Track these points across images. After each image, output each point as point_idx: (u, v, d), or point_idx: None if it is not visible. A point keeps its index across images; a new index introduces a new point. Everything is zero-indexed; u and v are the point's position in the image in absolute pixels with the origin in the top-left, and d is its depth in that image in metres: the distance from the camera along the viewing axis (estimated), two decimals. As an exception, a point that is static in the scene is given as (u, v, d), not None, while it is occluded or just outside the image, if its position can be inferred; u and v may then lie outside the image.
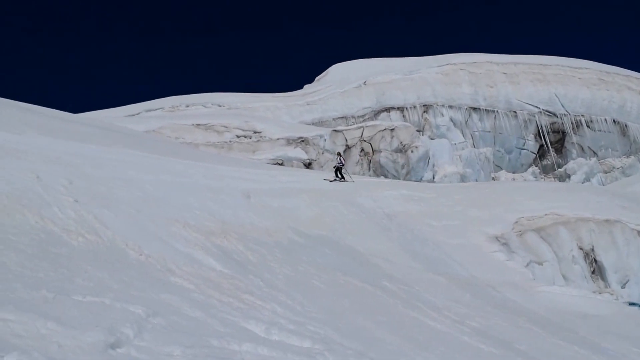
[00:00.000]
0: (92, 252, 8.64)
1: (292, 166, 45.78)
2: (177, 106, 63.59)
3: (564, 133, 67.17)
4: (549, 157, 67.00)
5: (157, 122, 51.79)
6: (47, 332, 4.83)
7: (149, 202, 13.42)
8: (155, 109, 62.96)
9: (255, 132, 51.15)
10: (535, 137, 66.66)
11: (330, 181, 25.90)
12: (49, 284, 6.38)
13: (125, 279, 7.63)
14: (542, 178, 64.29)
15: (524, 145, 66.23)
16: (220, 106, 64.00)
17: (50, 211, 9.89)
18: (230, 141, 49.82)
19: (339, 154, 28.90)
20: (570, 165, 63.88)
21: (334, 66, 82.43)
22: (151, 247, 9.89)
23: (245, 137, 50.74)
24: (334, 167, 28.01)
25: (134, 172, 16.51)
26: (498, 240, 21.34)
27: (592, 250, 22.75)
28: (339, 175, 27.19)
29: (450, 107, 65.72)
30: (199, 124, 51.47)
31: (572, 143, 66.80)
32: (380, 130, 51.96)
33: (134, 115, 60.47)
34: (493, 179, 60.43)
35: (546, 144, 66.69)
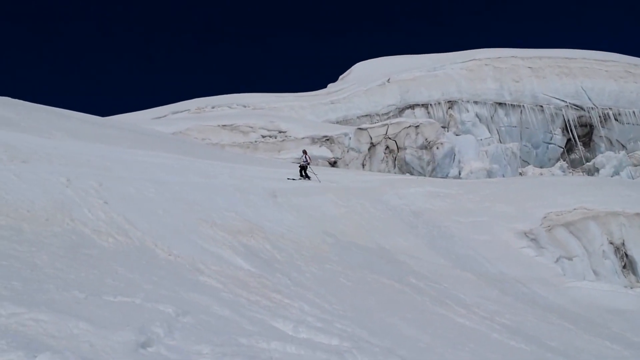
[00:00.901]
0: (122, 252, 8.76)
1: (317, 165, 45.82)
2: (202, 108, 64.06)
3: (591, 126, 66.14)
4: (576, 151, 66.05)
5: (184, 123, 52.23)
6: (79, 332, 4.90)
7: (177, 202, 13.55)
8: (182, 111, 63.51)
9: (280, 132, 51.32)
10: (563, 131, 65.76)
11: (294, 180, 24.10)
12: (81, 284, 6.49)
13: (154, 278, 7.73)
14: (570, 172, 63.36)
15: (551, 139, 65.38)
16: (245, 107, 64.32)
17: (81, 213, 10.05)
18: (255, 141, 50.07)
19: (304, 151, 26.86)
20: (599, 159, 62.83)
21: (357, 64, 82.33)
22: (180, 247, 10.00)
23: (270, 137, 50.94)
24: (299, 166, 26.16)
25: (162, 174, 16.68)
26: (527, 236, 21.10)
27: (623, 244, 22.37)
28: (304, 174, 25.51)
29: (476, 102, 65.16)
30: (224, 125, 51.80)
31: (600, 136, 65.76)
32: (405, 128, 51.71)
33: (160, 117, 61.05)
34: (520, 174, 59.73)
35: (574, 138, 65.74)
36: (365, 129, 52.08)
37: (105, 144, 20.59)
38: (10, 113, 21.16)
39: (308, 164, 25.98)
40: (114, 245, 9.02)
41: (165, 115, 62.24)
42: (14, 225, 8.30)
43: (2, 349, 4.17)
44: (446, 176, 49.60)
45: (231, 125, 52.00)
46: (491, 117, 64.94)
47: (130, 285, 7.00)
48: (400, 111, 64.29)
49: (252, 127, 51.89)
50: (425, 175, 47.63)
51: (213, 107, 64.09)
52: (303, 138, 49.85)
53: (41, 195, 10.20)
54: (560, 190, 27.15)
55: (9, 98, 29.05)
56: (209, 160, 23.59)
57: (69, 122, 24.34)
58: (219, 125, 51.62)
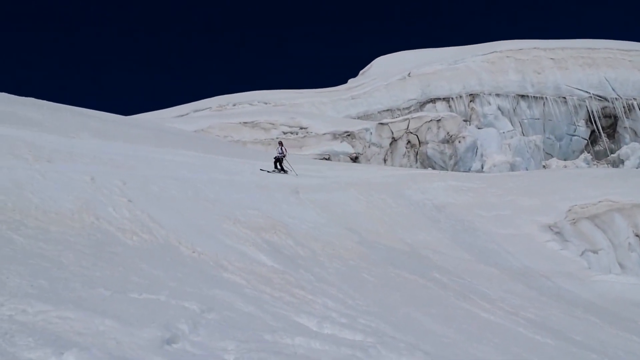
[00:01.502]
0: (146, 250, 8.84)
1: (339, 160, 45.81)
2: (224, 105, 64.39)
3: (615, 117, 65.26)
4: (601, 142, 65.24)
5: (206, 121, 52.55)
6: (105, 329, 4.96)
7: (200, 200, 13.64)
8: (203, 109, 63.92)
9: (301, 128, 51.41)
10: (586, 123, 64.99)
11: (268, 172, 22.38)
12: (106, 282, 6.56)
13: (179, 275, 7.78)
14: (594, 164, 62.63)
15: (574, 131, 64.65)
16: (266, 103, 64.56)
17: (105, 211, 10.16)
18: (277, 138, 50.18)
19: (280, 142, 25.04)
20: (624, 150, 61.99)
21: (377, 59, 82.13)
22: (204, 244, 10.07)
23: (291, 133, 51.07)
24: (274, 158, 24.27)
25: (185, 172, 16.80)
26: (551, 229, 20.89)
27: (650, 236, 22.04)
28: (279, 167, 23.73)
29: (497, 95, 64.67)
30: (245, 122, 52.03)
31: (625, 127, 64.82)
32: (426, 122, 51.48)
33: (182, 115, 61.50)
34: (544, 167, 59.18)
35: (598, 129, 64.95)
36: (387, 124, 51.94)
37: (129, 142, 20.78)
38: (34, 113, 21.44)
39: (284, 156, 24.25)
40: (138, 243, 9.11)
41: (187, 114, 62.70)
42: (41, 225, 8.41)
43: (29, 346, 4.23)
44: (469, 170, 49.32)
45: (252, 122, 52.22)
46: (513, 110, 64.39)
47: (155, 283, 7.06)
48: (422, 105, 64.05)
49: (273, 124, 52.08)
50: (447, 170, 47.38)
51: (234, 105, 64.42)
52: (324, 134, 49.88)
53: (66, 195, 10.33)
54: (585, 183, 26.84)
55: (34, 99, 29.45)
56: (230, 158, 23.70)
57: (92, 122, 24.60)
58: (240, 123, 51.88)
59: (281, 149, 24.21)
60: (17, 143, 13.48)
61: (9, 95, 27.60)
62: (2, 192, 9.29)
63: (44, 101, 29.37)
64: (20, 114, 20.32)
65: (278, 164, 23.90)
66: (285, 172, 23.72)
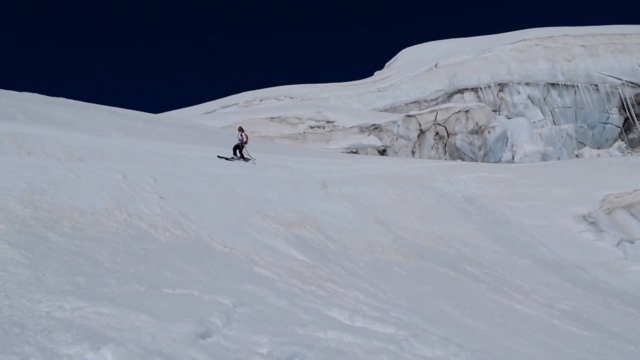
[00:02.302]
0: (178, 246, 8.92)
1: (366, 154, 45.66)
2: (251, 101, 64.65)
3: (649, 104, 63.98)
4: (635, 130, 63.97)
5: (233, 117, 52.80)
6: (141, 324, 5.03)
7: (230, 196, 13.72)
8: (231, 105, 64.22)
9: (328, 122, 51.31)
10: (620, 110, 63.80)
11: (227, 159, 20.82)
12: (140, 278, 6.64)
13: (211, 271, 7.85)
14: (629, 153, 61.44)
15: (607, 119, 63.52)
16: (292, 98, 64.62)
17: (138, 208, 10.28)
18: (304, 132, 50.23)
19: (240, 129, 22.89)
20: (659, 137, 60.80)
21: (403, 50, 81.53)
22: (234, 240, 10.13)
23: (318, 127, 51.00)
24: (234, 145, 22.19)
25: (214, 168, 16.92)
26: (585, 220, 20.57)
27: (688, 225, 21.56)
28: (239, 154, 21.90)
29: (527, 84, 63.82)
30: (272, 117, 52.14)
31: (660, 114, 63.56)
32: (454, 113, 50.99)
33: (210, 112, 61.90)
34: (577, 156, 58.29)
35: (631, 116, 63.70)
36: (414, 116, 51.60)
37: (158, 140, 20.99)
38: (65, 113, 21.77)
39: (244, 143, 22.20)
40: (170, 239, 9.20)
41: (214, 110, 63.11)
42: (76, 225, 8.54)
43: (67, 342, 4.31)
44: (499, 161, 48.78)
45: (279, 117, 52.32)
46: (544, 99, 63.51)
47: (188, 278, 7.13)
48: (449, 96, 63.51)
49: (300, 119, 52.08)
50: (477, 161, 46.95)
51: (261, 100, 64.64)
52: (351, 127, 49.75)
53: (99, 193, 10.47)
54: (619, 172, 26.37)
55: (64, 98, 29.90)
56: (258, 153, 23.77)
57: (121, 120, 24.90)
58: (267, 118, 52.01)
59: (241, 135, 22.31)
60: (49, 143, 13.69)
61: (40, 95, 28.05)
62: (37, 192, 9.45)
63: (74, 100, 29.82)
64: (52, 114, 20.65)
65: (237, 151, 22.17)
66: (245, 159, 21.95)
